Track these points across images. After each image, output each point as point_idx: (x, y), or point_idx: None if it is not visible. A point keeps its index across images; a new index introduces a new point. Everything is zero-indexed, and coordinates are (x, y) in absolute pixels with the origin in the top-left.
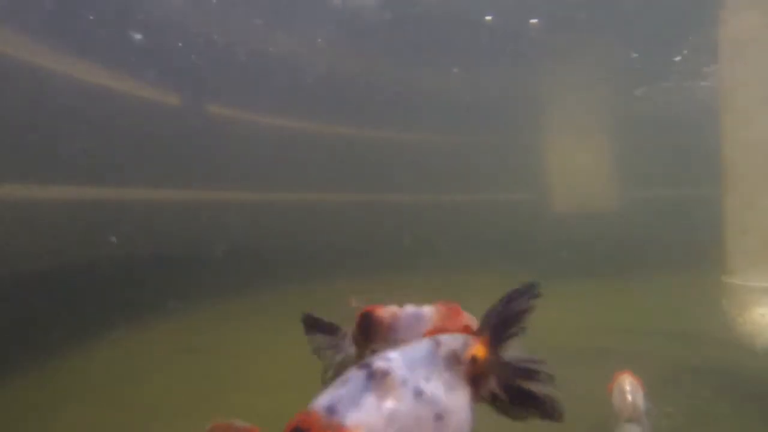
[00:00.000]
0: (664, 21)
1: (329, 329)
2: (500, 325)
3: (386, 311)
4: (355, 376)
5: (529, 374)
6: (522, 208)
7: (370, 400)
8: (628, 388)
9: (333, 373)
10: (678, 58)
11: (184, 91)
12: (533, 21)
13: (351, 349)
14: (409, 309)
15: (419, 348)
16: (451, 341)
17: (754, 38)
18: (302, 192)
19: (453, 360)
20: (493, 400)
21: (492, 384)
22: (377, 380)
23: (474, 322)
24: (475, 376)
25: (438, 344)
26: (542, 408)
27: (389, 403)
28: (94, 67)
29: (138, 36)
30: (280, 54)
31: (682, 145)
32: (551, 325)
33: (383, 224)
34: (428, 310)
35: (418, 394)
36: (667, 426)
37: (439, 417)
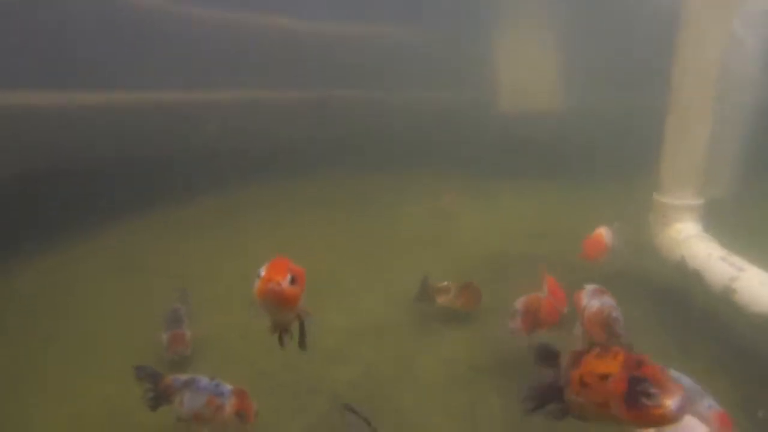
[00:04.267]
0: None
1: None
2: None
3: None
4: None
5: None
6: (465, 107)
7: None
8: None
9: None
10: None
11: None
12: None
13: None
14: None
15: None
16: None
17: None
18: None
19: None
20: None
21: None
22: None
23: None
24: None
25: None
26: None
27: None
28: None
29: None
30: None
31: (638, 53)
32: (484, 230)
33: (316, 121)
34: None
35: None
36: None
37: None
